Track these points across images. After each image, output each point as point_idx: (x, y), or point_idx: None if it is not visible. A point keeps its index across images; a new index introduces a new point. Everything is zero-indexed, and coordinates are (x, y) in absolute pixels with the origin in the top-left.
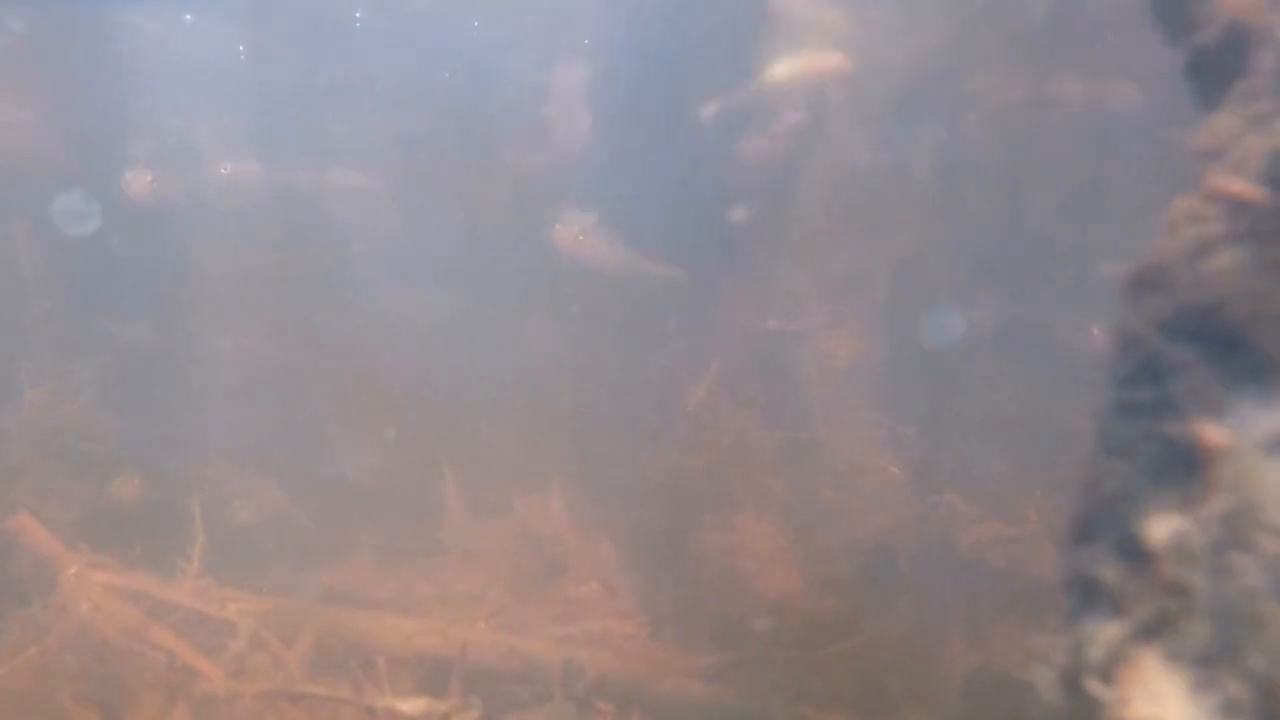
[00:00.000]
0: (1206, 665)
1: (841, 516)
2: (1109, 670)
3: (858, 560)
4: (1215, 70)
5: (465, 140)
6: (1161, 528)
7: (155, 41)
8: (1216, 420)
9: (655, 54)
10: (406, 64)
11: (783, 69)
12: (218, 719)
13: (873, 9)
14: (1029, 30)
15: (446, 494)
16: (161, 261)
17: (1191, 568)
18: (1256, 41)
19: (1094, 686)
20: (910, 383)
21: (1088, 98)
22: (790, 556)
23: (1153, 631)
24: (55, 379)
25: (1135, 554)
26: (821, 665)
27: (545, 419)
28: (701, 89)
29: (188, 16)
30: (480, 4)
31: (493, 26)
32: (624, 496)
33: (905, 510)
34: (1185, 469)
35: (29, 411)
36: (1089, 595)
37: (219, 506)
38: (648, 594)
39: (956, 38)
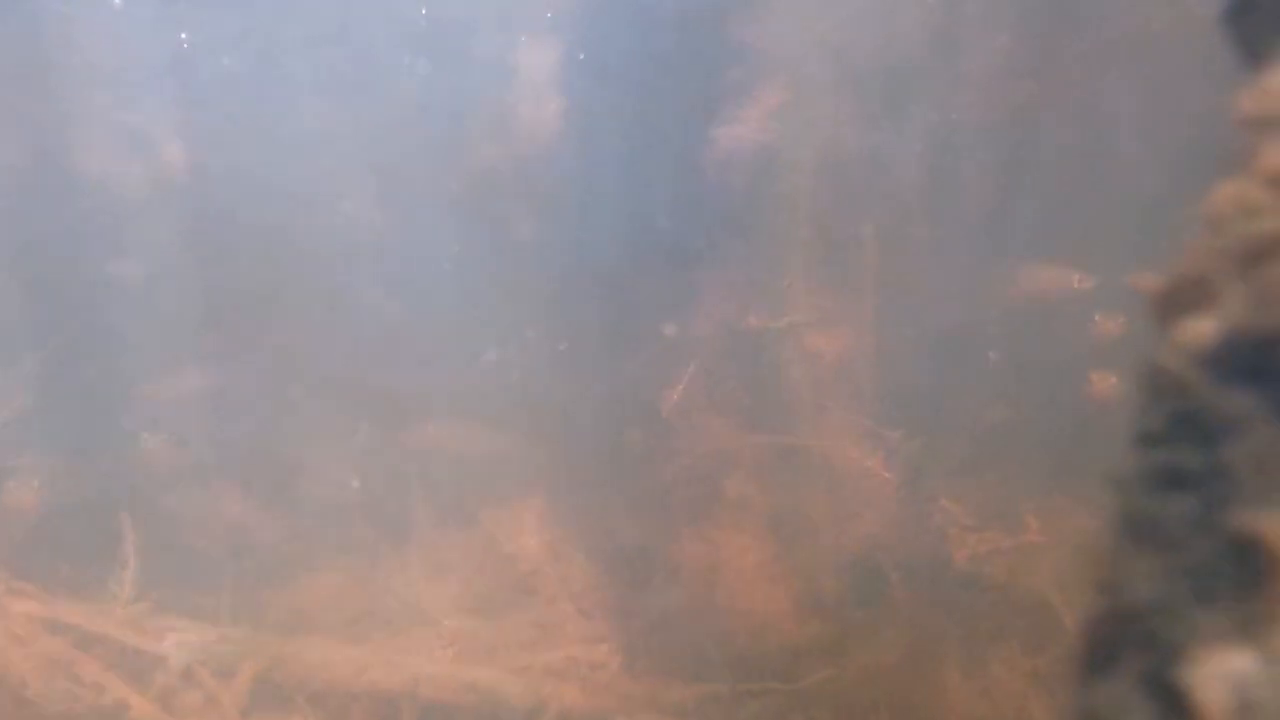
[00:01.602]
0: None
1: (828, 528)
2: None
3: (845, 576)
4: (1267, 18)
5: (427, 131)
6: (1212, 667)
7: (83, 30)
8: None
9: (629, 33)
10: (364, 50)
11: None
12: None
13: None
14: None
15: (416, 508)
16: (109, 261)
17: None
18: None
19: None
20: (903, 383)
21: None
22: (773, 572)
23: None
24: None
25: (1173, 700)
26: (805, 699)
27: (514, 426)
28: (679, 70)
29: (116, 1)
30: None
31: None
32: (596, 509)
33: (897, 519)
34: (1246, 577)
35: None
36: None
37: (166, 524)
38: (620, 616)
39: (950, 9)
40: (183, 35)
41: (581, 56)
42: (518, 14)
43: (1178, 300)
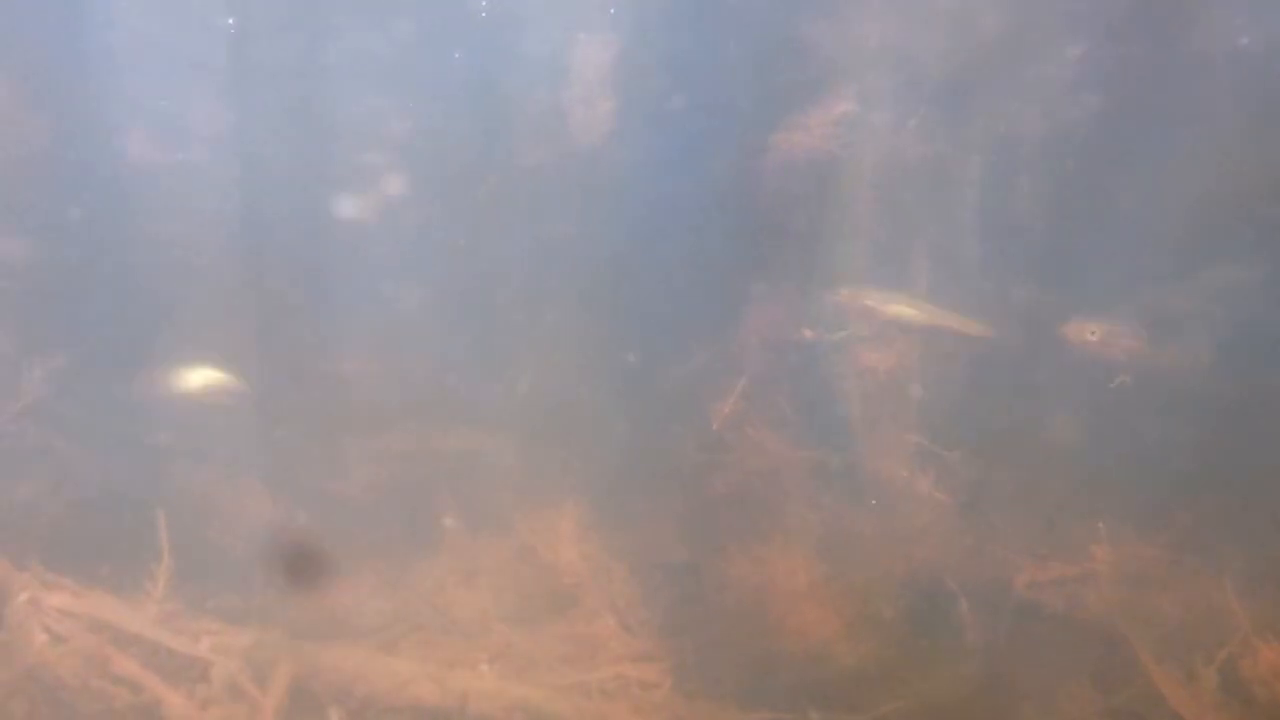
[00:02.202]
0: None
1: (881, 549)
2: None
3: (901, 600)
4: None
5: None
6: None
7: (127, 13)
8: None
9: (691, 31)
10: (416, 42)
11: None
12: None
13: None
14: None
15: (449, 512)
16: (143, 252)
17: None
18: None
19: None
20: (958, 400)
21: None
22: (825, 593)
23: None
24: (4, 375)
25: None
26: None
27: (556, 434)
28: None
29: None
30: None
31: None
32: (641, 522)
33: (953, 543)
34: None
35: None
36: None
37: (198, 523)
38: (668, 634)
39: (1015, 17)
40: (230, 20)
41: (636, 51)
42: (578, 9)
43: None
